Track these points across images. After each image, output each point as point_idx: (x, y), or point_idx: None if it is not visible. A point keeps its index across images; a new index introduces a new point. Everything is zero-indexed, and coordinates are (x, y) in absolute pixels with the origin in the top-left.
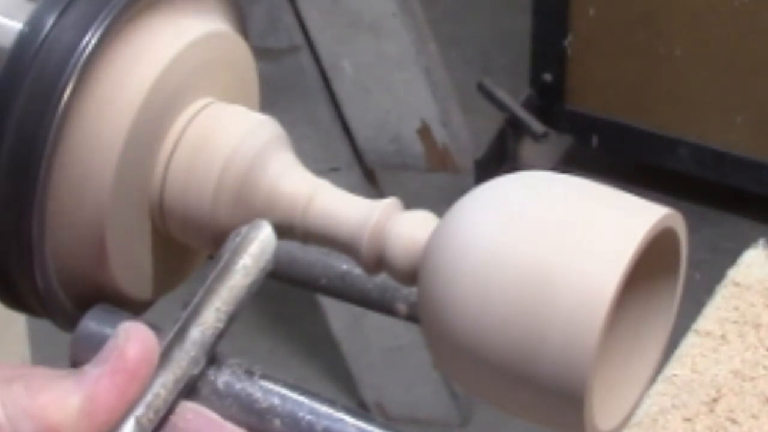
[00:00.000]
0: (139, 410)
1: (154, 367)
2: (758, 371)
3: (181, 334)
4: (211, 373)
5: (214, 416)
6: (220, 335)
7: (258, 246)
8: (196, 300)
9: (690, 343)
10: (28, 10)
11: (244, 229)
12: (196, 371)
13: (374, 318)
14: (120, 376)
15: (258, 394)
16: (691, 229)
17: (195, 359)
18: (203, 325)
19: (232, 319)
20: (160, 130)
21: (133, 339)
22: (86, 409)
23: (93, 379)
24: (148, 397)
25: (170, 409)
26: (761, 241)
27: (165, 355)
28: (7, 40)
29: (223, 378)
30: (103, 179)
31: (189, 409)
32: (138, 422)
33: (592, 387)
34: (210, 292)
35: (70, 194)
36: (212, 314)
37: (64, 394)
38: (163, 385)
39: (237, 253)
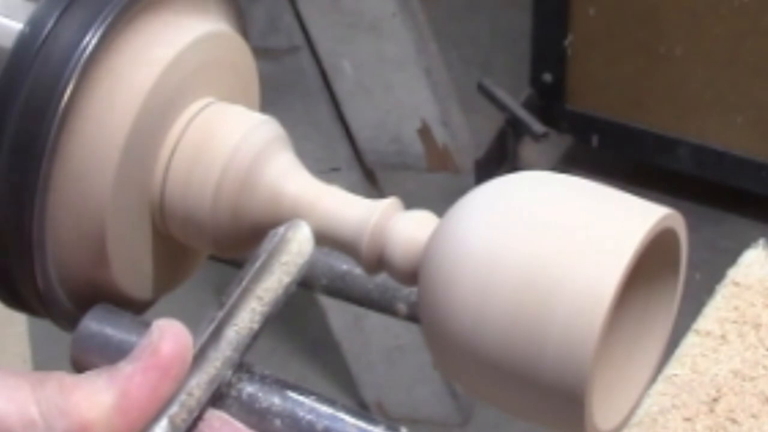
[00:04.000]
0: (173, 409)
1: (187, 365)
2: (758, 371)
3: (216, 334)
4: (229, 377)
5: (240, 426)
6: (255, 336)
7: (296, 246)
8: (231, 300)
9: (690, 343)
10: (28, 10)
11: (281, 229)
12: (230, 372)
13: (374, 318)
14: (153, 373)
15: (258, 394)
16: (691, 229)
17: (230, 360)
18: (239, 326)
19: (268, 320)
20: (161, 130)
21: (167, 336)
22: (119, 405)
23: (126, 376)
24: (182, 397)
25: (200, 414)
26: (761, 241)
27: (199, 355)
28: (8, 40)
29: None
30: (104, 179)
31: (216, 417)
32: (171, 421)
33: (592, 387)
34: (246, 292)
35: (70, 194)
36: (248, 315)
37: (97, 391)
38: (197, 385)
39: (274, 253)
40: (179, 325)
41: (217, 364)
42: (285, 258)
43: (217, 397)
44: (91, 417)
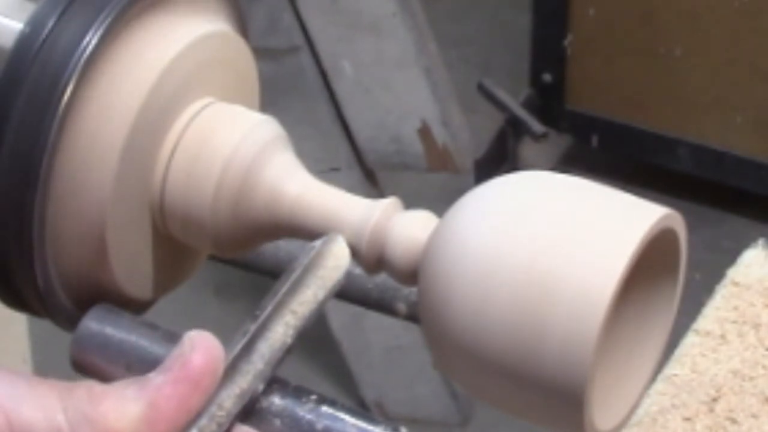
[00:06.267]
0: (203, 422)
1: (218, 378)
2: (758, 371)
3: (248, 347)
4: (261, 391)
5: None
6: (288, 351)
7: (332, 261)
8: (265, 313)
9: (690, 342)
10: (28, 10)
11: (318, 243)
12: (261, 386)
13: (374, 318)
14: (182, 385)
15: (258, 394)
16: (691, 229)
17: (261, 374)
18: (272, 340)
19: (301, 334)
20: (161, 130)
21: (198, 348)
22: (147, 416)
23: (155, 387)
24: (212, 409)
25: (229, 428)
26: (761, 241)
27: (231, 368)
28: (8, 41)
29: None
30: (104, 179)
31: (243, 431)
32: None
33: (592, 387)
34: (281, 306)
35: (70, 194)
36: (281, 329)
37: (126, 401)
38: (227, 398)
39: (310, 267)
40: (211, 337)
41: (249, 377)
42: (321, 272)
43: (248, 411)
44: (119, 427)
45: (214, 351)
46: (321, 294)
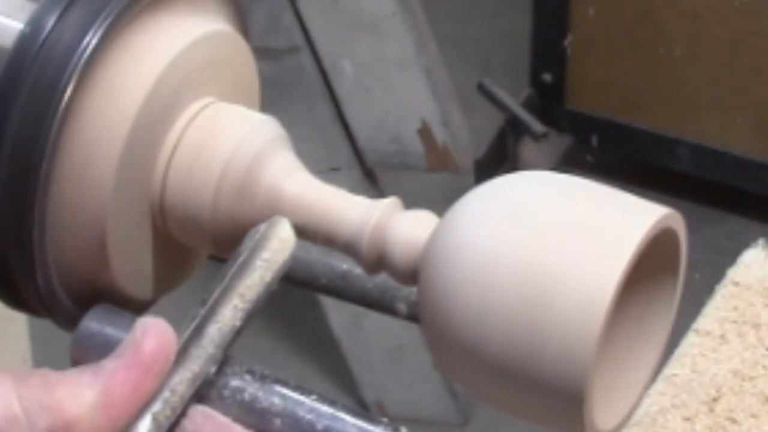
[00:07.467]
0: (156, 406)
1: (170, 362)
2: (758, 371)
3: (198, 331)
4: (212, 373)
5: (223, 419)
6: (238, 333)
7: (277, 243)
8: (214, 297)
9: (690, 342)
10: (28, 10)
11: (263, 227)
12: (213, 369)
13: (374, 318)
14: (135, 371)
15: (258, 394)
16: (691, 229)
17: (212, 357)
18: (221, 323)
19: (250, 317)
20: (161, 130)
21: (150, 334)
22: (102, 402)
23: (109, 373)
24: (165, 394)
25: (183, 410)
26: (761, 241)
27: (182, 352)
28: (8, 41)
29: (223, 377)
30: (104, 179)
31: (199, 412)
32: (154, 418)
33: (592, 387)
34: (228, 289)
35: (70, 194)
36: (230, 312)
37: (81, 388)
38: (180, 382)
39: (256, 250)
40: (163, 322)
41: (200, 361)
42: (266, 255)
43: (201, 394)
44: (74, 413)
45: (165, 336)
46: (268, 276)
